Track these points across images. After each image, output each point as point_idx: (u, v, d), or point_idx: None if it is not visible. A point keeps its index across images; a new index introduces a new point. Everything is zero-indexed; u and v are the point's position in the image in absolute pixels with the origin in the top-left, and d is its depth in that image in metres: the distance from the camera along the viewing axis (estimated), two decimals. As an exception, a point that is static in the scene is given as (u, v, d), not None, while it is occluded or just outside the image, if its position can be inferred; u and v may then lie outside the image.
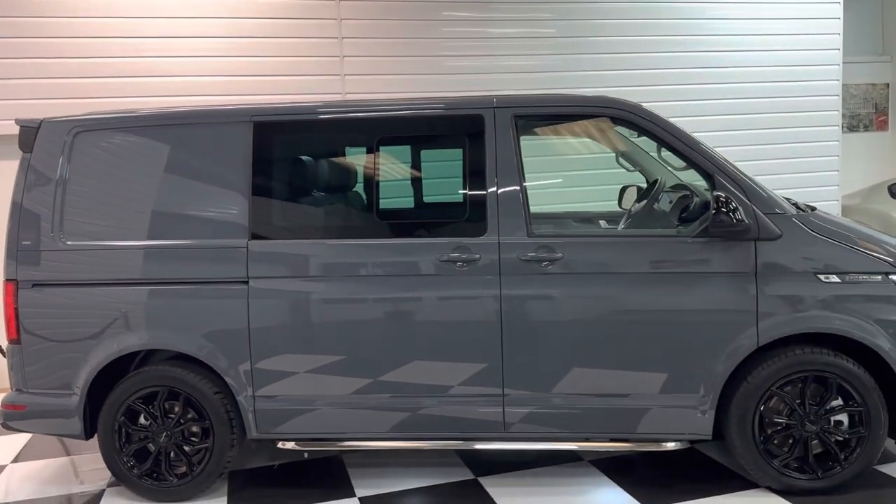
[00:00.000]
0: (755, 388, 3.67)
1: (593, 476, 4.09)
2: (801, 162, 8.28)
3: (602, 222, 5.13)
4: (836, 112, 8.41)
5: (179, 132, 3.96)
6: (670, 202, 4.29)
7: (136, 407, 3.99)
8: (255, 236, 3.86)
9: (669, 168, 4.45)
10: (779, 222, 3.65)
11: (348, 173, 4.10)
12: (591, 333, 3.74)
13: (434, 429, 3.88)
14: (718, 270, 3.67)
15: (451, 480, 4.11)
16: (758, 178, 3.85)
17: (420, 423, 3.86)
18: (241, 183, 3.89)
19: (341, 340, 3.82)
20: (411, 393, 3.84)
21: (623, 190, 5.34)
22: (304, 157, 4.06)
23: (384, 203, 4.01)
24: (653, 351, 3.72)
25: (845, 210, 9.44)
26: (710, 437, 3.77)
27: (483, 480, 4.09)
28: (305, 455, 4.47)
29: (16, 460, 4.79)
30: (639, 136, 4.11)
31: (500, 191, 3.78)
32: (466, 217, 3.82)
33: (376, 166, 3.93)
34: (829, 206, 8.43)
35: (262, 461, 4.52)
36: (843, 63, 8.39)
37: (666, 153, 4.28)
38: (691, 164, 3.79)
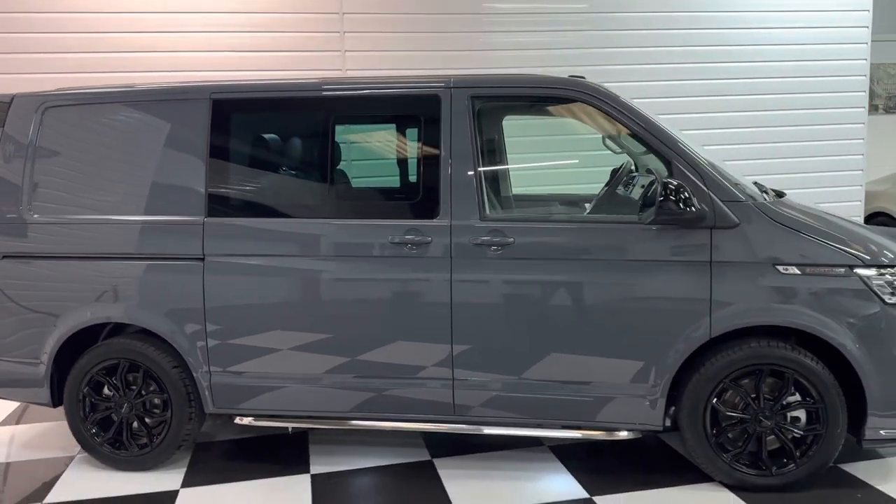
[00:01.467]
0: (707, 379, 3.58)
1: (547, 462, 4.06)
2: (824, 145, 7.99)
3: (588, 206, 5.05)
4: (863, 93, 8.06)
5: (142, 108, 4.00)
6: (642, 187, 4.18)
7: (100, 378, 4.10)
8: (211, 213, 3.89)
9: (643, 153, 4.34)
10: (737, 210, 3.52)
11: (303, 153, 4.09)
12: (541, 321, 3.68)
13: (386, 409, 3.89)
14: (673, 258, 3.57)
15: (405, 461, 4.12)
16: (732, 163, 3.74)
17: (373, 403, 3.88)
18: (198, 160, 3.92)
19: (293, 320, 3.85)
20: (364, 373, 3.85)
21: (614, 173, 5.21)
22: (260, 136, 4.06)
23: (338, 183, 4.00)
24: (603, 340, 3.65)
25: (872, 196, 9.09)
26: (660, 428, 3.69)
27: (438, 462, 4.09)
28: (289, 430, 4.52)
29: (3, 423, 4.97)
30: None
31: (453, 173, 3.74)
32: (419, 199, 3.79)
33: (332, 146, 3.91)
34: (852, 190, 8.15)
35: (232, 434, 4.60)
36: (881, 42, 8.03)
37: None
38: (650, 149, 3.68)
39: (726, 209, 3.51)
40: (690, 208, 3.43)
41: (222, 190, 3.92)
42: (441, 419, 3.87)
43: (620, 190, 4.13)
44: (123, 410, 4.10)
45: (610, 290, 3.61)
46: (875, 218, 9.08)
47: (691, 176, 3.55)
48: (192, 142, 3.93)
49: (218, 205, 3.90)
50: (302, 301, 3.83)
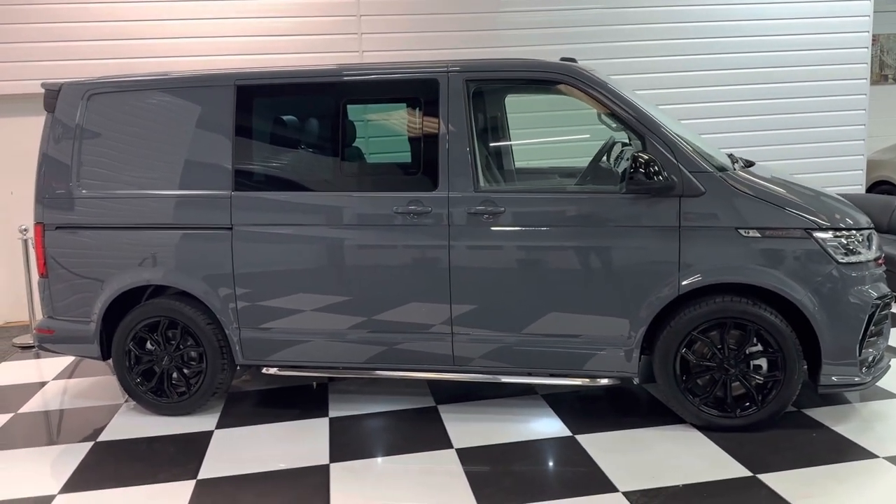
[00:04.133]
0: (676, 332, 4.02)
1: (539, 407, 4.54)
2: (826, 116, 8.26)
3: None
4: (865, 65, 8.30)
5: (175, 94, 4.50)
6: (627, 159, 4.60)
7: (143, 334, 4.65)
8: (237, 187, 4.39)
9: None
10: (703, 180, 3.93)
11: (318, 132, 4.57)
12: (531, 282, 4.14)
13: (395, 361, 4.39)
14: (646, 224, 3.99)
15: (412, 407, 4.63)
16: (706, 135, 4.11)
17: (383, 356, 4.37)
18: (226, 140, 4.41)
19: (311, 282, 4.35)
20: (374, 329, 4.34)
21: (611, 146, 5.63)
22: (280, 117, 4.55)
23: (350, 159, 4.48)
24: (585, 299, 4.10)
25: (876, 164, 9.33)
26: (635, 376, 4.14)
27: (441, 408, 4.59)
28: (314, 385, 5.06)
29: (58, 378, 5.58)
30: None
31: (451, 149, 4.18)
32: (421, 173, 4.25)
33: (343, 126, 4.38)
34: (854, 160, 8.41)
35: (260, 385, 5.15)
36: (891, 12, 8.20)
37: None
38: (626, 126, 4.09)
39: (693, 179, 3.92)
40: (658, 178, 3.85)
41: (247, 167, 4.42)
42: (443, 369, 4.36)
43: (604, 163, 4.55)
44: (164, 362, 4.65)
45: (590, 253, 4.05)
46: (878, 186, 9.34)
47: (662, 149, 3.96)
48: (220, 124, 4.42)
49: (244, 180, 4.40)
50: (317, 265, 4.33)
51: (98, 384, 5.38)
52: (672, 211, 3.95)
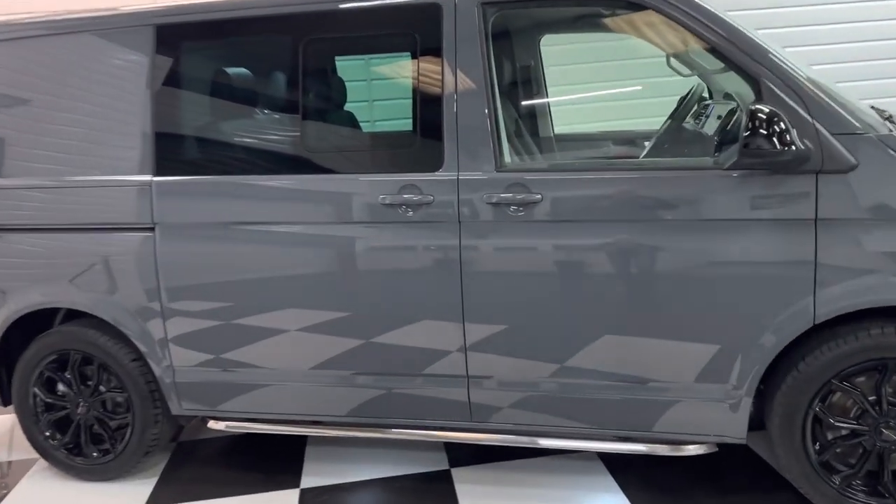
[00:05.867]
0: (809, 378, 2.64)
1: (594, 474, 3.21)
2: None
3: (649, 143, 4.08)
4: None
5: (70, 44, 3.19)
6: (719, 118, 3.19)
7: (52, 374, 3.41)
8: (161, 170, 3.09)
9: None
10: (856, 147, 2.51)
11: (268, 91, 3.21)
12: (578, 303, 2.79)
13: (388, 412, 3.10)
14: (762, 216, 2.59)
15: (418, 471, 3.33)
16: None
17: (370, 405, 3.08)
18: (142, 106, 3.11)
19: (272, 301, 3.06)
20: (356, 368, 3.05)
21: (681, 102, 4.18)
22: (218, 71, 3.20)
23: (313, 129, 3.11)
24: (665, 326, 2.74)
25: None
26: (742, 440, 2.78)
27: (456, 472, 3.29)
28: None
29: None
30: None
31: (460, 110, 2.82)
32: (416, 146, 2.90)
33: (304, 81, 3.02)
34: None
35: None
36: None
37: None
38: (732, 65, 2.67)
39: (838, 145, 2.50)
40: (789, 146, 2.43)
41: (174, 142, 3.11)
42: (456, 425, 3.05)
43: (689, 123, 3.13)
44: (79, 410, 3.41)
45: (676, 260, 2.68)
46: None
47: (789, 100, 2.54)
48: (133, 83, 3.12)
49: (169, 160, 3.10)
50: (278, 278, 3.03)
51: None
52: (805, 195, 2.55)
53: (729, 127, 2.84)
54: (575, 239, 2.75)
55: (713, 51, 2.68)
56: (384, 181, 2.88)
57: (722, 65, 2.79)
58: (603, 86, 5.33)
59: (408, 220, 2.86)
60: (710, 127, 3.18)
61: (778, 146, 2.41)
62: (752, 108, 2.43)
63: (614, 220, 2.71)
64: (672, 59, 3.97)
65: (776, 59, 2.60)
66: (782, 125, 2.42)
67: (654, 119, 4.95)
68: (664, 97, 4.58)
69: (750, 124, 2.42)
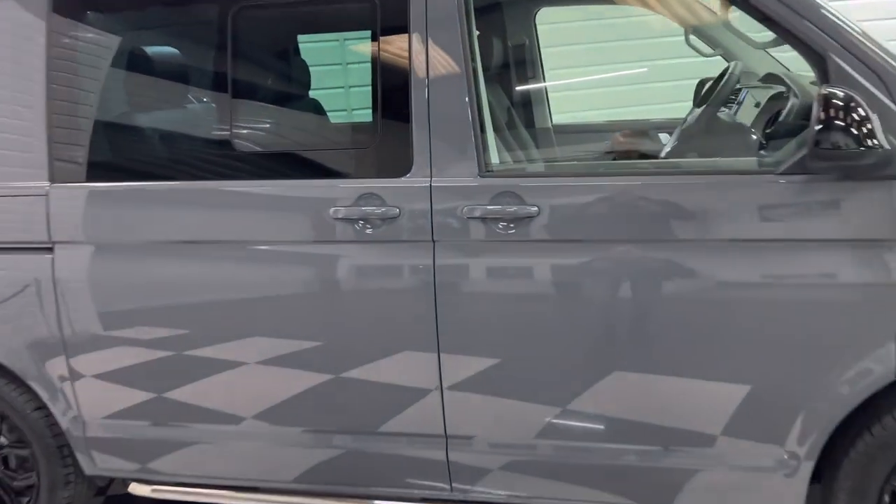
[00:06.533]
0: (887, 445, 2.02)
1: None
2: None
3: (664, 136, 3.46)
4: None
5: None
6: (756, 106, 2.58)
7: (-61, 424, 2.79)
8: (59, 176, 2.45)
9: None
10: (952, 145, 1.88)
11: (193, 73, 2.55)
12: (591, 343, 2.18)
13: (346, 479, 2.47)
14: (826, 236, 1.98)
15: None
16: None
17: (326, 468, 2.46)
18: (34, 91, 2.46)
19: (200, 337, 2.43)
20: (311, 423, 2.43)
21: (700, 86, 3.55)
22: (134, 47, 2.55)
23: (244, 125, 2.43)
24: (699, 375, 2.13)
25: None
26: (800, 521, 2.17)
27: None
28: None
29: None
30: None
31: (433, 97, 2.19)
32: (377, 145, 2.26)
33: (234, 61, 2.38)
34: None
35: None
36: None
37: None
38: (787, 35, 2.04)
39: (934, 143, 1.88)
40: (872, 143, 1.81)
41: (73, 139, 2.46)
42: (432, 496, 2.42)
43: (725, 114, 2.48)
44: (-26, 469, 2.79)
45: (717, 290, 2.06)
46: None
47: (865, 82, 1.91)
48: (24, 62, 2.47)
49: (70, 161, 2.46)
50: (206, 309, 2.40)
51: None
52: (888, 209, 1.93)
53: (782, 119, 2.22)
54: (583, 265, 2.13)
55: (766, 19, 2.03)
56: (336, 189, 2.25)
57: (768, 39, 2.16)
58: (606, 69, 4.68)
59: (366, 240, 2.23)
60: (746, 117, 2.57)
61: (857, 143, 1.79)
62: (826, 92, 1.80)
63: (635, 239, 2.10)
64: (692, 36, 3.38)
65: (848, 30, 1.97)
66: (862, 115, 1.79)
67: (661, 106, 4.36)
68: (675, 81, 3.97)
69: (822, 115, 1.79)
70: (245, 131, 2.43)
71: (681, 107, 3.81)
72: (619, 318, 2.14)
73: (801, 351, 2.03)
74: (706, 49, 3.38)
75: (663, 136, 3.61)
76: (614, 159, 3.03)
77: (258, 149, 2.40)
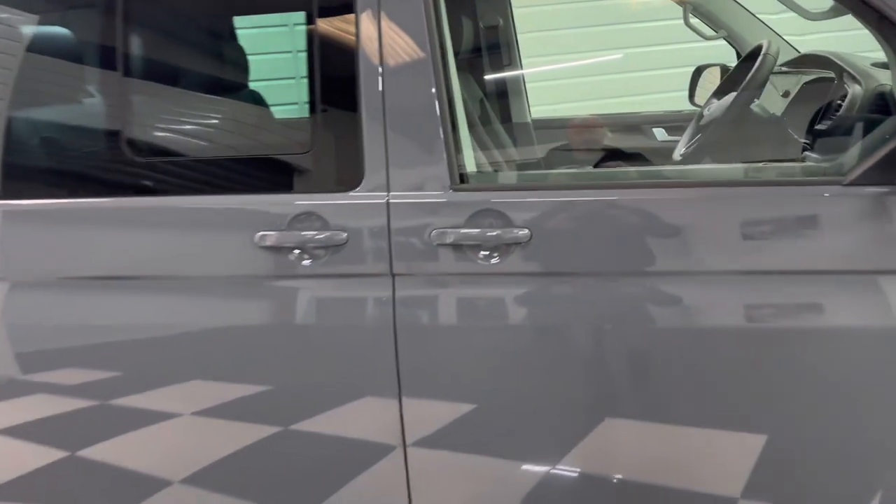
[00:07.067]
0: None
1: None
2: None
3: (659, 131, 3.00)
4: None
5: None
6: (785, 95, 2.13)
7: None
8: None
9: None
10: None
11: (84, 61, 1.98)
12: (597, 400, 1.70)
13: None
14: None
15: None
16: None
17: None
18: None
19: (95, 391, 1.87)
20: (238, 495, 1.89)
21: (697, 74, 3.08)
22: (31, 30, 1.96)
23: (146, 130, 1.87)
24: (737, 427, 1.64)
25: None
26: None
27: None
28: None
29: None
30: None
31: (389, 92, 1.67)
32: (317, 151, 1.73)
33: (126, 53, 1.82)
34: None
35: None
36: None
37: None
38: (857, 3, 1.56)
39: None
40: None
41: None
42: None
43: (758, 107, 1.98)
44: None
45: (756, 338, 1.58)
46: None
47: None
48: None
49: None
50: (92, 361, 1.85)
51: None
52: None
53: (842, 112, 1.75)
54: (589, 304, 1.63)
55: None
56: (262, 208, 1.72)
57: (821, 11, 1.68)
58: (588, 56, 4.18)
59: (304, 274, 1.70)
60: (773, 105, 2.10)
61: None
62: None
63: (657, 271, 1.60)
64: (692, 16, 2.93)
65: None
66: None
67: (649, 97, 3.89)
68: (666, 69, 3.51)
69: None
70: (140, 132, 1.88)
71: (674, 98, 3.37)
72: (635, 374, 1.65)
73: (862, 413, 1.57)
74: (707, 31, 2.93)
75: (658, 132, 3.17)
76: (603, 158, 2.55)
77: (158, 155, 1.85)
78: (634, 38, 3.71)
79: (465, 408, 1.73)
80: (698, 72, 3.15)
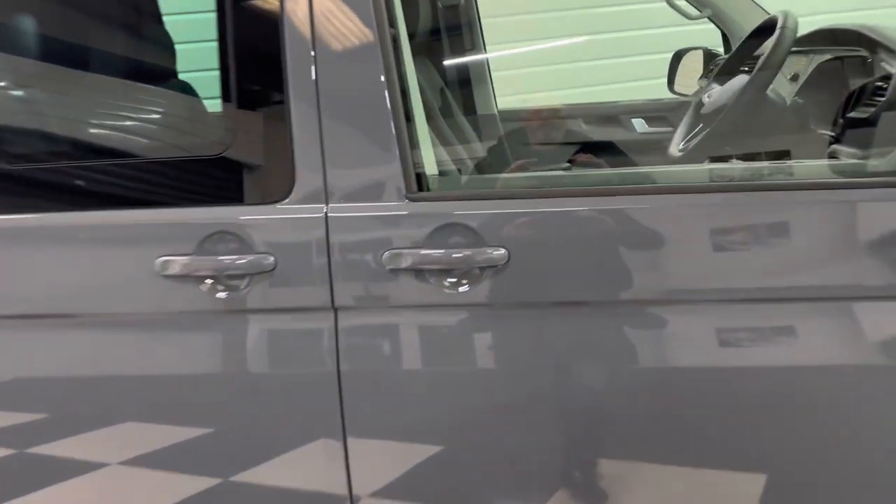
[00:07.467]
0: None
1: None
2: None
3: (639, 122, 2.72)
4: None
5: None
6: (793, 79, 1.83)
7: None
8: None
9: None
10: None
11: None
12: (593, 455, 1.35)
13: None
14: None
15: None
16: None
17: None
18: None
19: None
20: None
21: (677, 59, 2.79)
22: None
23: (24, 135, 1.48)
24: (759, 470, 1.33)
25: None
26: None
27: None
28: None
29: None
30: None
31: (325, 80, 1.31)
32: (229, 153, 1.36)
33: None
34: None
35: None
36: None
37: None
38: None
39: None
40: None
41: None
42: None
43: (774, 94, 1.65)
44: None
45: (794, 377, 1.27)
46: None
47: None
48: None
49: None
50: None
51: None
52: None
53: (866, 93, 1.44)
54: (588, 343, 1.30)
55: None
56: (165, 227, 1.35)
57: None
58: (550, 41, 3.86)
59: (219, 310, 1.33)
60: (782, 91, 1.78)
61: None
62: None
63: (665, 299, 1.27)
64: (673, -1, 2.67)
65: None
66: None
67: (626, 86, 3.57)
68: (641, 56, 3.21)
69: None
70: (25, 135, 1.49)
71: (653, 85, 3.08)
72: (636, 428, 1.33)
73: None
74: (693, 10, 2.63)
75: (637, 122, 2.88)
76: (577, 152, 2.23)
77: (47, 163, 1.46)
78: (609, 22, 3.38)
79: (423, 461, 1.39)
80: (678, 57, 2.87)
